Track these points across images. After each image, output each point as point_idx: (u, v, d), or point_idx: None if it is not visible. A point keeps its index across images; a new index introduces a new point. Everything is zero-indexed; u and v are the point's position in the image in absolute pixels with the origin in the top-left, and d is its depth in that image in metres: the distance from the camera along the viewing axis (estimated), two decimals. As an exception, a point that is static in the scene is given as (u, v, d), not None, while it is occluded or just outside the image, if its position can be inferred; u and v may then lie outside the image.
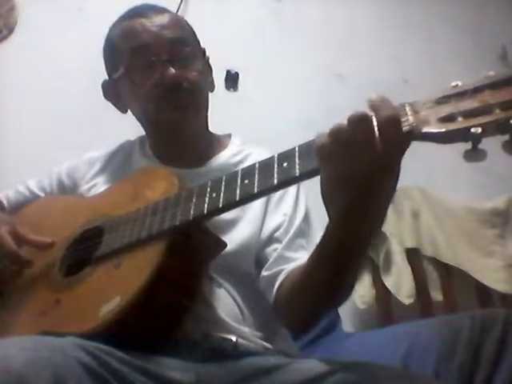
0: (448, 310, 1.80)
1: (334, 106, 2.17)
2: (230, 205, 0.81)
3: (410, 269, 1.84)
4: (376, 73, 2.23)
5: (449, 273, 1.90)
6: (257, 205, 1.04)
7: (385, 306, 1.80)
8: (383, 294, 1.80)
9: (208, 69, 1.18)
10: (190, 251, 0.87)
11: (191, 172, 1.08)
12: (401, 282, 1.80)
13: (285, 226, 1.03)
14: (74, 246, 1.00)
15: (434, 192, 1.99)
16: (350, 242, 0.77)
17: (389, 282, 1.80)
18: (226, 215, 0.93)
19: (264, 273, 1.00)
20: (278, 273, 0.98)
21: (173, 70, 1.05)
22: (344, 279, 0.85)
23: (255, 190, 0.77)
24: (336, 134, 0.68)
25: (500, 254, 1.94)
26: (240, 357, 0.90)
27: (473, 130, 0.59)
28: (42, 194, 1.20)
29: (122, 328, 0.79)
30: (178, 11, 1.96)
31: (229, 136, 1.20)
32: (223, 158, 1.13)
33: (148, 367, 0.77)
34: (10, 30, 1.95)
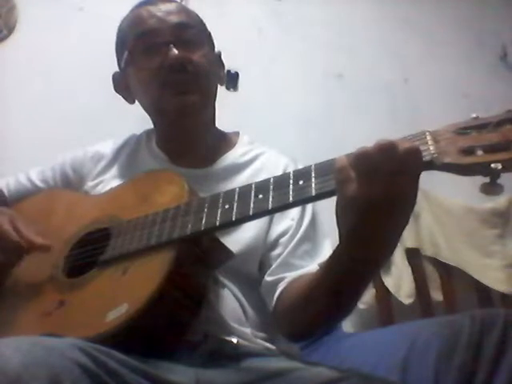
0: (448, 310, 1.80)
1: (334, 106, 2.17)
2: (243, 219, 0.80)
3: (410, 269, 1.84)
4: (376, 73, 2.23)
5: (449, 273, 1.90)
6: None
7: (385, 306, 1.80)
8: (383, 294, 1.80)
9: (218, 61, 1.17)
10: (198, 260, 0.86)
11: (199, 172, 1.07)
12: (401, 282, 1.80)
13: (291, 231, 1.02)
14: (78, 247, 0.99)
15: (434, 192, 1.99)
16: (357, 266, 0.76)
17: (389, 282, 1.80)
18: None
19: (267, 278, 0.99)
20: (280, 280, 0.97)
21: (176, 52, 1.03)
22: (346, 300, 0.84)
23: (269, 207, 0.76)
24: (360, 159, 0.68)
25: (500, 253, 1.94)
26: (240, 358, 0.90)
27: (493, 165, 0.60)
28: (43, 186, 1.18)
29: (128, 335, 0.78)
30: (178, 11, 1.97)
31: (237, 134, 1.18)
32: (231, 157, 1.11)
33: (147, 369, 0.76)
34: (10, 30, 1.95)
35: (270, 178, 0.79)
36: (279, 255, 1.00)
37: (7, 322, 0.95)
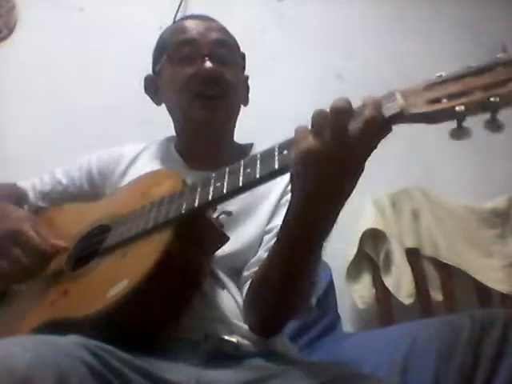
0: (448, 310, 1.80)
1: (334, 106, 2.17)
2: (234, 191, 0.82)
3: (409, 269, 1.84)
4: (376, 72, 2.23)
5: (449, 273, 1.90)
6: (265, 207, 1.05)
7: (385, 306, 1.80)
8: (383, 294, 1.80)
9: (245, 84, 1.26)
10: (194, 241, 0.88)
11: None
12: (401, 282, 1.80)
13: (275, 230, 1.02)
14: (81, 242, 1.02)
15: (434, 192, 1.99)
16: (305, 233, 0.79)
17: (389, 282, 1.80)
18: (235, 217, 0.95)
19: (243, 273, 1.01)
20: (253, 274, 0.98)
21: (210, 64, 1.10)
22: (296, 285, 0.85)
23: (257, 176, 0.79)
24: (315, 117, 0.75)
25: (500, 254, 1.94)
26: (241, 358, 0.90)
27: (457, 108, 0.65)
28: (70, 185, 1.22)
29: (128, 310, 0.80)
30: (177, 12, 1.97)
31: (250, 145, 1.22)
32: None
33: (148, 369, 0.76)
34: (10, 30, 1.95)
35: (257, 154, 0.82)
36: (257, 251, 1.02)
37: (12, 316, 0.98)
